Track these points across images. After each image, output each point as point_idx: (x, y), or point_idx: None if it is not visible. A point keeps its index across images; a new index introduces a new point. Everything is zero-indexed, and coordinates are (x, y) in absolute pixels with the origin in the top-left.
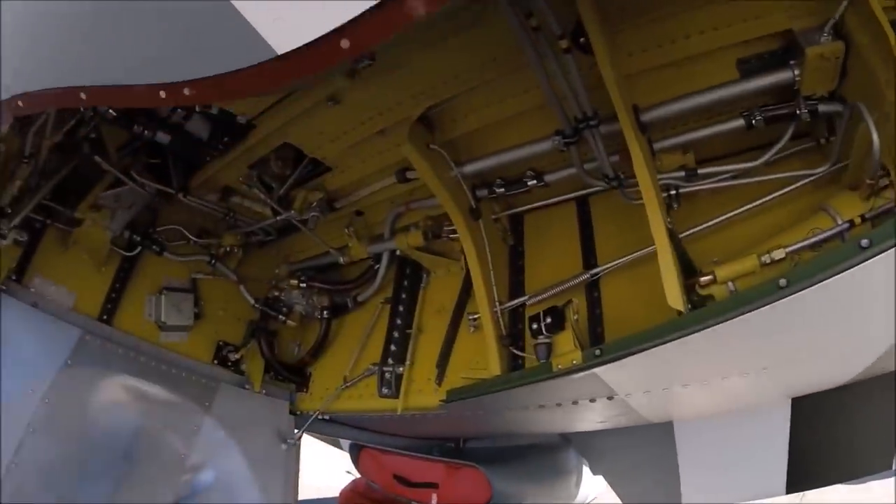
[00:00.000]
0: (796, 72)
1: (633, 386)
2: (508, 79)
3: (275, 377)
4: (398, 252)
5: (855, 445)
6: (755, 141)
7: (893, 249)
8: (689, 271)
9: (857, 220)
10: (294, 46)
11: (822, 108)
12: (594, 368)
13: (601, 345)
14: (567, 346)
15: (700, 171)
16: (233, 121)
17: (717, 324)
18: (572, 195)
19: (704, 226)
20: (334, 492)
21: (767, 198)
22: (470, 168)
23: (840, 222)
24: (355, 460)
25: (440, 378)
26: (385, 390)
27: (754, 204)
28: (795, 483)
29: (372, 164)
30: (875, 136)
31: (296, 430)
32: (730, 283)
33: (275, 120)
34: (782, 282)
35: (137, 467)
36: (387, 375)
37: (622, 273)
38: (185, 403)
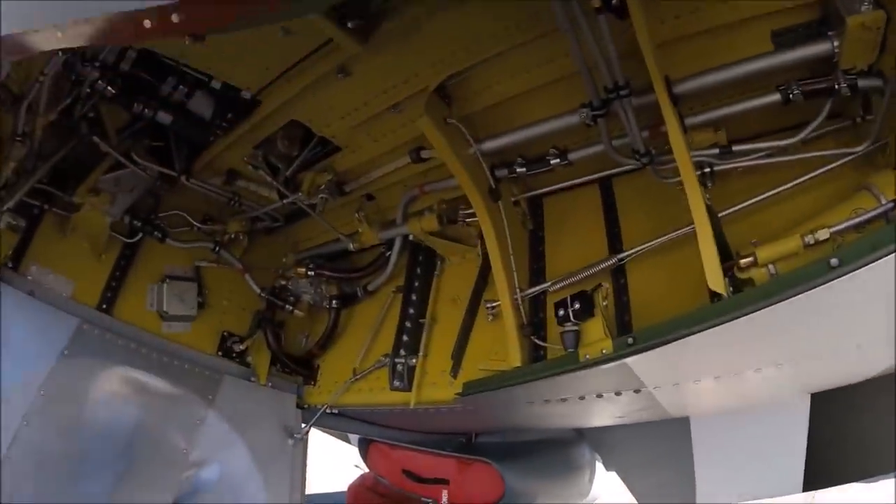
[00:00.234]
0: (835, 43)
1: (663, 378)
2: (532, 46)
3: (281, 369)
4: (411, 238)
5: (873, 443)
6: (787, 121)
7: None
8: (723, 255)
9: None
10: None
11: (861, 82)
12: (626, 358)
13: (632, 332)
14: (596, 333)
15: (734, 148)
16: (237, 97)
17: (762, 308)
18: (596, 176)
19: (740, 206)
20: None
21: (806, 177)
22: (489, 145)
23: (884, 202)
24: (364, 455)
25: (455, 370)
26: (397, 383)
27: (794, 183)
28: (812, 481)
29: (384, 142)
30: None
31: (303, 425)
32: (770, 266)
33: (281, 94)
34: (833, 261)
35: (137, 463)
36: (399, 367)
37: (649, 258)
38: (187, 396)
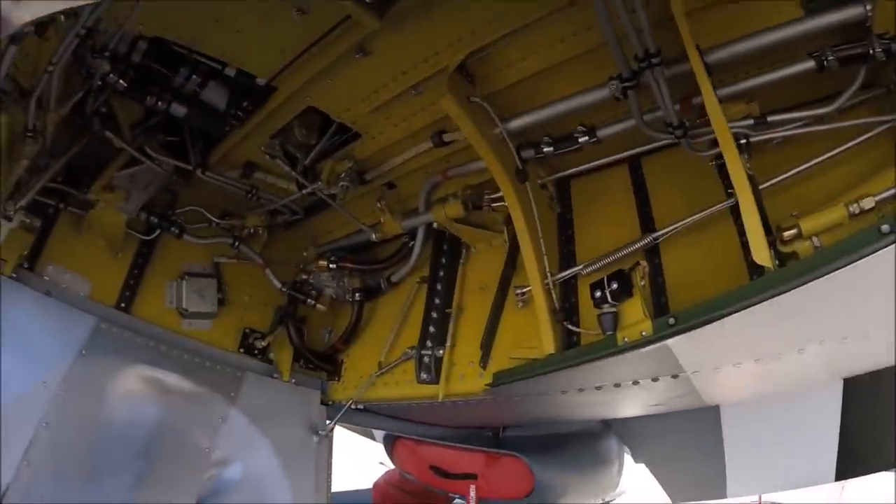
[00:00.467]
0: (868, 6)
1: (703, 361)
2: (554, 20)
3: (305, 365)
4: (435, 226)
5: None
6: (818, 93)
7: None
8: (763, 229)
9: None
10: None
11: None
12: (667, 340)
13: (674, 312)
14: (635, 315)
15: (769, 118)
16: (251, 84)
17: (811, 281)
18: (625, 154)
19: (779, 178)
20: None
21: (842, 147)
22: (514, 124)
23: None
24: (390, 452)
25: (485, 360)
26: (424, 375)
27: (831, 154)
28: (845, 470)
29: (405, 126)
30: None
31: (328, 421)
32: (814, 239)
33: (297, 78)
34: (885, 227)
35: (158, 463)
36: (425, 359)
37: (683, 238)
38: (209, 394)
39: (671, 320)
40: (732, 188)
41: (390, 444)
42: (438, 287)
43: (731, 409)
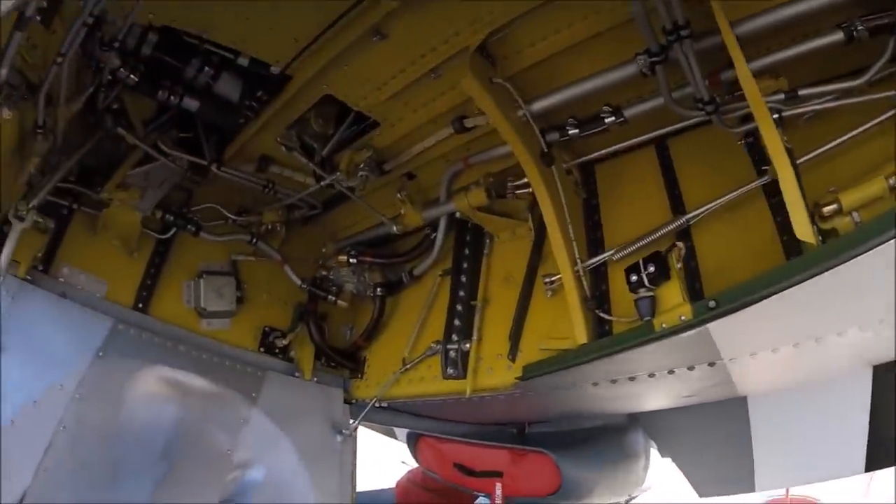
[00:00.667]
0: None
1: (742, 347)
2: None
3: (326, 363)
4: (458, 215)
5: None
6: (844, 68)
7: None
8: None
9: None
10: None
11: None
12: (708, 324)
13: (714, 295)
14: (674, 298)
15: (800, 92)
16: (265, 74)
17: (856, 257)
18: (652, 135)
19: (813, 154)
20: None
21: (876, 120)
22: (538, 105)
23: None
24: (413, 450)
25: (513, 353)
26: (451, 370)
27: (864, 127)
28: (875, 460)
29: (424, 113)
30: None
31: (351, 420)
32: (854, 214)
33: (312, 65)
34: None
35: (179, 466)
36: (451, 354)
37: (714, 219)
38: (229, 395)
39: (711, 303)
40: (763, 166)
41: (413, 442)
42: (462, 279)
43: (759, 400)
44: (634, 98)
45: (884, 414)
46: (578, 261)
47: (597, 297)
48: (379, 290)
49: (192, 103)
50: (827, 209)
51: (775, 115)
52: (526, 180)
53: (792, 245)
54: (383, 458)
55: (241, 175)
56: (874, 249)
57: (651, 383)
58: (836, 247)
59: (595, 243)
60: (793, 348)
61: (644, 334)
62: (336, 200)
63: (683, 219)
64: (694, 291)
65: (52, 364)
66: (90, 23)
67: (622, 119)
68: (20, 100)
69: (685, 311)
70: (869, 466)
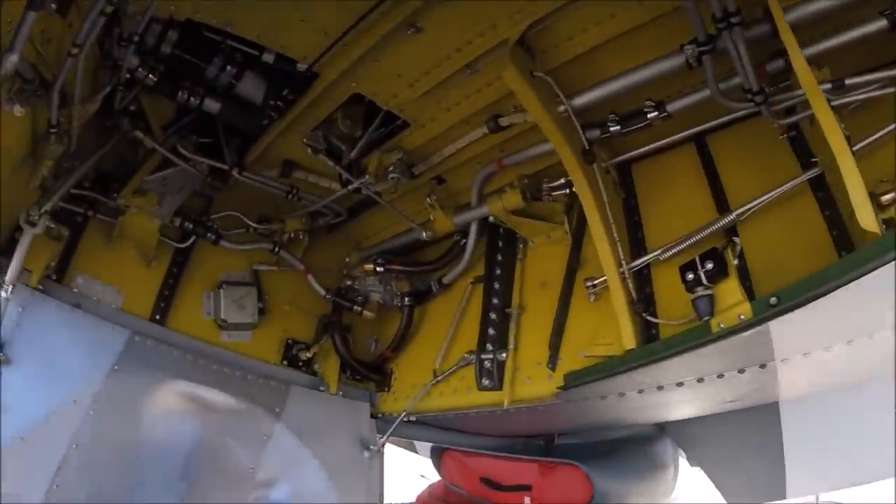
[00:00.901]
0: None
1: (798, 346)
2: None
3: (352, 376)
4: (491, 220)
5: None
6: (885, 57)
7: None
8: None
9: None
10: None
11: None
12: (769, 321)
13: (775, 291)
14: (732, 297)
15: (847, 81)
16: (291, 71)
17: None
18: (692, 131)
19: (866, 142)
20: None
21: None
22: (578, 101)
23: None
24: (438, 464)
25: (553, 361)
26: (486, 381)
27: None
28: None
29: (457, 112)
30: None
31: (379, 436)
32: None
33: (341, 61)
34: None
35: (198, 485)
36: (486, 364)
37: (760, 216)
38: (252, 410)
39: (773, 300)
40: (809, 159)
41: (438, 457)
42: (496, 286)
43: (790, 406)
44: (675, 93)
45: None
46: (623, 262)
47: (643, 300)
48: (407, 299)
49: (213, 105)
50: (886, 197)
51: None
52: (562, 181)
53: (843, 240)
54: (401, 471)
55: (263, 180)
56: None
57: (697, 389)
58: None
59: (637, 244)
60: (846, 345)
61: (701, 335)
62: (361, 207)
63: (733, 215)
64: (745, 290)
65: (65, 378)
66: (109, 11)
67: (665, 114)
68: (33, 96)
69: (744, 310)
70: None
